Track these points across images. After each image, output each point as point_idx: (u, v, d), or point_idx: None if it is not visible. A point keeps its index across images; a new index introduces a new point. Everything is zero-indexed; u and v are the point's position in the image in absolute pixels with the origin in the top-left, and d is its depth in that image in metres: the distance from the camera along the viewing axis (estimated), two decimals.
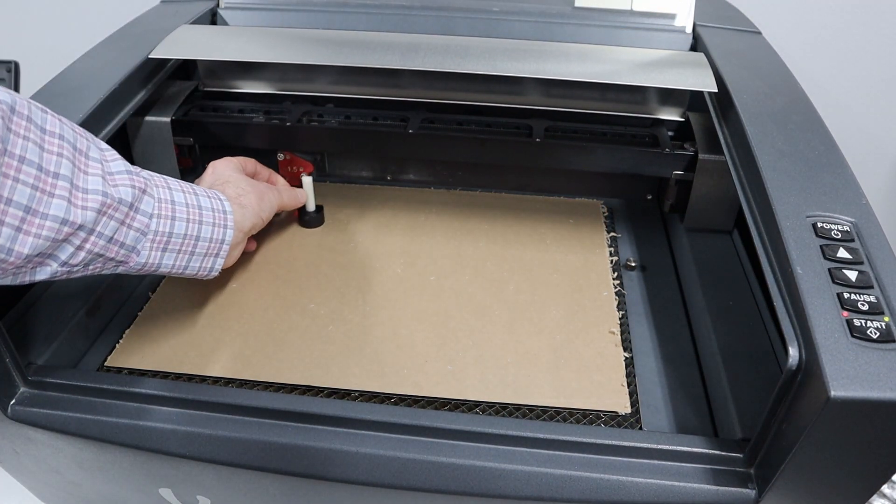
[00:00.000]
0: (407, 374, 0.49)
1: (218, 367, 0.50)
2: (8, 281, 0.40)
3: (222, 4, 0.72)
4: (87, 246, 0.41)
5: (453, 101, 0.66)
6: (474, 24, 0.69)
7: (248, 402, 0.44)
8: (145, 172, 0.46)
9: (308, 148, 0.68)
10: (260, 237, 0.62)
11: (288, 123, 0.64)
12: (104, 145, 0.45)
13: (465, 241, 0.63)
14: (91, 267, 0.43)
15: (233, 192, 0.53)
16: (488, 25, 0.69)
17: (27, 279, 0.40)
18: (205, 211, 0.48)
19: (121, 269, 0.45)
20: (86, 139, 0.42)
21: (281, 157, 0.68)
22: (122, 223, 0.43)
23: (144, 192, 0.44)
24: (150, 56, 0.60)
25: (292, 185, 0.69)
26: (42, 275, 0.40)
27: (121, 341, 0.53)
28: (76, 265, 0.41)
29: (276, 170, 0.69)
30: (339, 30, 0.67)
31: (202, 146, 0.69)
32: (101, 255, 0.42)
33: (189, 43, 0.62)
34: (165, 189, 0.46)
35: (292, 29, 0.67)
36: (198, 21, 0.69)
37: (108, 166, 0.43)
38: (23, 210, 0.37)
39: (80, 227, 0.40)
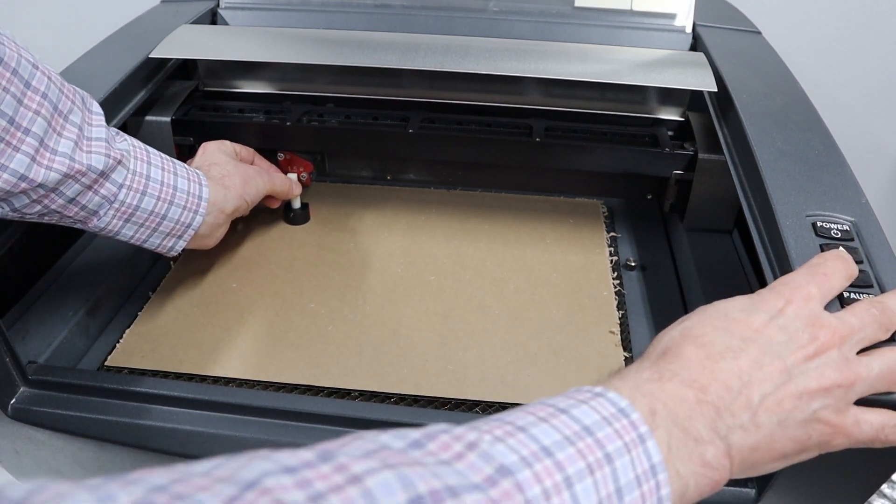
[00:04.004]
0: (407, 374, 0.49)
1: (218, 367, 0.50)
2: None
3: (222, 4, 0.72)
4: (45, 202, 0.42)
5: (453, 100, 0.66)
6: (474, 24, 0.69)
7: (248, 401, 0.44)
8: (129, 143, 0.47)
9: (308, 148, 0.68)
10: (259, 237, 0.62)
11: (288, 123, 0.64)
12: (96, 108, 0.45)
13: (465, 241, 0.63)
14: (47, 218, 0.44)
15: (217, 174, 0.53)
16: (488, 25, 0.69)
17: None
18: (179, 192, 0.49)
19: (78, 226, 0.46)
20: (70, 100, 0.43)
21: (281, 156, 0.68)
22: (89, 188, 0.44)
23: (119, 162, 0.45)
24: (150, 56, 0.60)
25: None
26: None
27: (121, 341, 0.53)
28: (29, 214, 0.43)
29: None
30: (339, 30, 0.67)
31: None
32: (58, 212, 0.43)
33: (189, 43, 0.62)
34: (144, 163, 0.47)
35: (292, 29, 0.67)
36: (198, 21, 0.69)
37: (88, 131, 0.43)
38: None
39: (40, 185, 0.41)
